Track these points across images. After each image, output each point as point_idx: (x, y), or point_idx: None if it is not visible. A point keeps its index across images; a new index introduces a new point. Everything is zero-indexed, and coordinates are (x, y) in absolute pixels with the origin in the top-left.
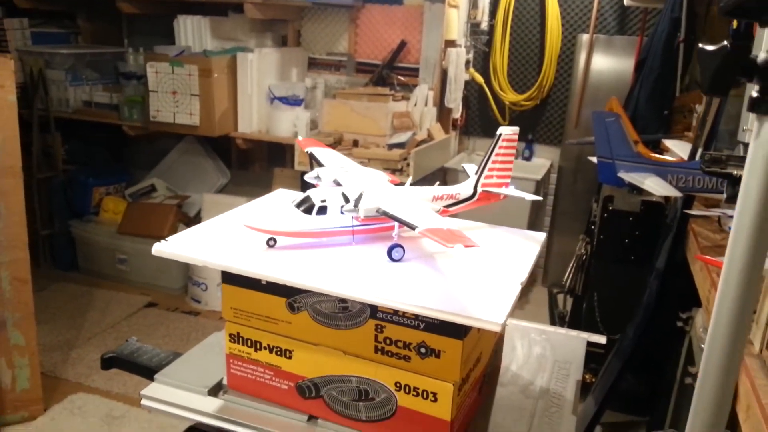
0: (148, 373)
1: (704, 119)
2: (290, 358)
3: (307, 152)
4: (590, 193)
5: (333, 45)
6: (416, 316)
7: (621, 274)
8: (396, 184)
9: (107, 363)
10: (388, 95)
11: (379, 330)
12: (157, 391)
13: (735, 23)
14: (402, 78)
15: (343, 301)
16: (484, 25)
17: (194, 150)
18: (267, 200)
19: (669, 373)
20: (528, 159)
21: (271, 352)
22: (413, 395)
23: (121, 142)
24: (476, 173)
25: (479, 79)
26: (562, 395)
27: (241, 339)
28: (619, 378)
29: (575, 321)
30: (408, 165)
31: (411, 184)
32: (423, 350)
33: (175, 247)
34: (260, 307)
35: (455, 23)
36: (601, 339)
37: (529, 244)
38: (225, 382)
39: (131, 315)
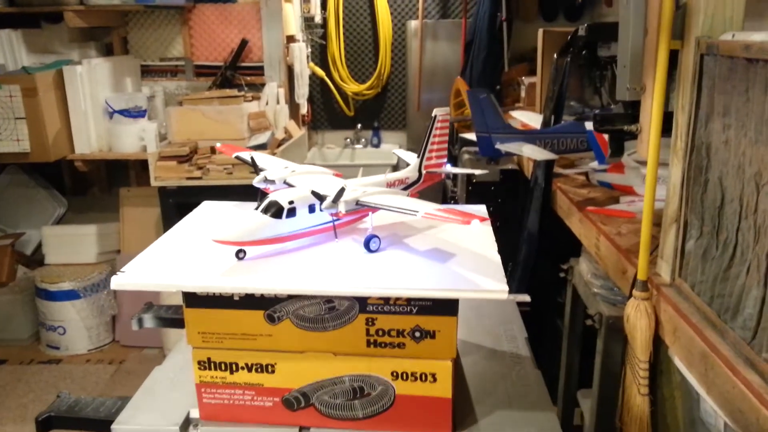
0: (101, 425)
1: (553, 90)
2: (273, 372)
3: (248, 158)
4: None
5: (166, 50)
6: (408, 302)
7: None
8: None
9: (44, 425)
10: (239, 96)
11: (370, 323)
12: None
13: None
14: (248, 78)
15: (329, 301)
16: (318, 19)
17: (21, 180)
18: (198, 215)
19: (550, 321)
20: (377, 146)
21: (250, 370)
22: (411, 381)
23: None
24: (418, 156)
25: (320, 72)
26: (518, 354)
27: (212, 364)
28: None
29: None
30: None
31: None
32: (418, 334)
33: (135, 276)
34: (234, 326)
35: (292, 18)
36: (526, 298)
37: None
38: (195, 414)
39: None
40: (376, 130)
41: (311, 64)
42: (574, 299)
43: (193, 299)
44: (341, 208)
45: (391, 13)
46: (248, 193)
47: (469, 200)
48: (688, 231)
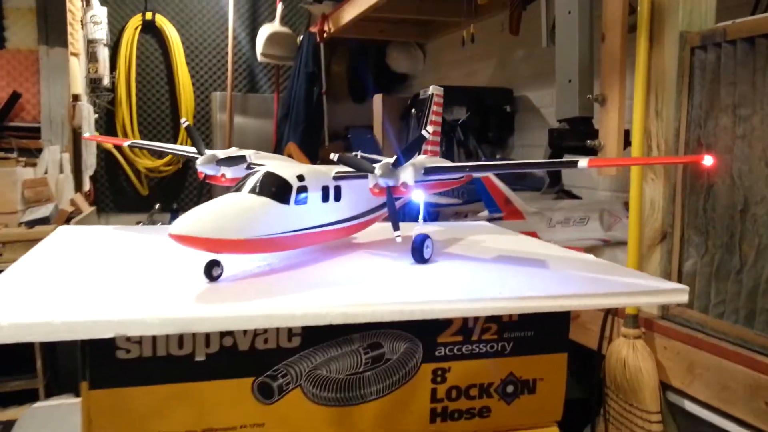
0: None
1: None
2: None
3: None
4: None
5: None
6: (500, 334)
7: None
8: None
9: None
10: (11, 159)
11: (438, 379)
12: None
13: None
14: (22, 141)
15: (373, 346)
16: (106, 81)
17: None
18: (56, 243)
19: None
20: None
21: None
22: None
23: None
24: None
25: (107, 144)
26: None
27: None
28: None
29: None
30: None
31: None
32: (510, 388)
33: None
34: (191, 413)
35: (79, 74)
36: None
37: (499, 231)
38: None
39: None
40: (176, 213)
41: (96, 133)
42: None
43: (104, 370)
44: (407, 177)
45: (194, 84)
46: None
47: None
48: (686, 250)
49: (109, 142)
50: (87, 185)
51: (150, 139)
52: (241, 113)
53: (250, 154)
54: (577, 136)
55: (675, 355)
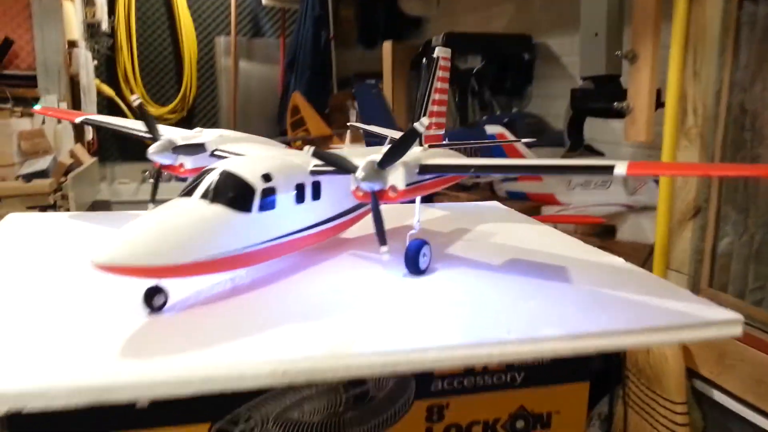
0: None
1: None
2: None
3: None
4: None
5: None
6: (509, 367)
7: None
8: None
9: None
10: (6, 109)
11: (435, 417)
12: None
13: None
14: (16, 90)
15: (355, 383)
16: (105, 26)
17: None
18: (6, 235)
19: None
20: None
21: None
22: None
23: None
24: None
25: (108, 91)
26: None
27: None
28: None
29: None
30: (65, 198)
31: None
32: (521, 424)
33: None
34: None
35: (74, 19)
36: None
37: (510, 217)
38: None
39: None
40: None
41: (97, 80)
42: None
43: (24, 420)
44: (396, 180)
45: (196, 28)
46: None
47: None
48: (721, 227)
49: (60, 117)
50: (90, 134)
51: (153, 86)
52: (246, 58)
53: (214, 138)
54: (602, 96)
55: (705, 342)
